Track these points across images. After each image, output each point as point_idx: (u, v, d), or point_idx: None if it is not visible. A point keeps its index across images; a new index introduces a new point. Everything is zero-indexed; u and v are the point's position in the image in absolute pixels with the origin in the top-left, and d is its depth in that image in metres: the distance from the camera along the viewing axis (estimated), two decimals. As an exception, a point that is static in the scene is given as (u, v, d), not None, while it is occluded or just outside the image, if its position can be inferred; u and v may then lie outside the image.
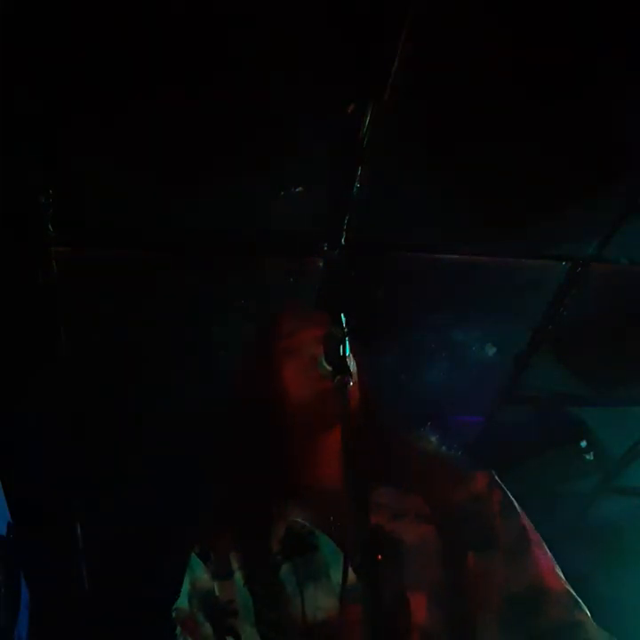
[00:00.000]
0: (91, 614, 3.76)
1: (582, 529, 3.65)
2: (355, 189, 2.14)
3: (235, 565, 1.55)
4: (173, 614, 1.58)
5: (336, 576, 1.28)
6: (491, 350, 2.79)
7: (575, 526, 3.59)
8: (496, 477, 1.61)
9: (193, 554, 1.61)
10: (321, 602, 1.42)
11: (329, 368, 1.38)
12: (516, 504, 1.58)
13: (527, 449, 3.25)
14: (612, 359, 2.91)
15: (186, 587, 1.59)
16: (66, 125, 1.90)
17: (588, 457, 3.32)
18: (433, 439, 1.67)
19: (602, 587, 3.62)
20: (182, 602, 1.58)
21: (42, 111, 1.85)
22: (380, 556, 1.14)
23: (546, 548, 1.50)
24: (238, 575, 1.53)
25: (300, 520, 1.53)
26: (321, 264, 2.37)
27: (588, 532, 3.67)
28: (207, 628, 1.53)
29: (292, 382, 1.56)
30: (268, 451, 1.59)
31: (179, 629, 1.56)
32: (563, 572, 1.47)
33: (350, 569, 1.31)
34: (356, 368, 1.45)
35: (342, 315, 1.53)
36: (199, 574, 1.58)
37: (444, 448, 1.66)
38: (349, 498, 1.21)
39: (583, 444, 3.29)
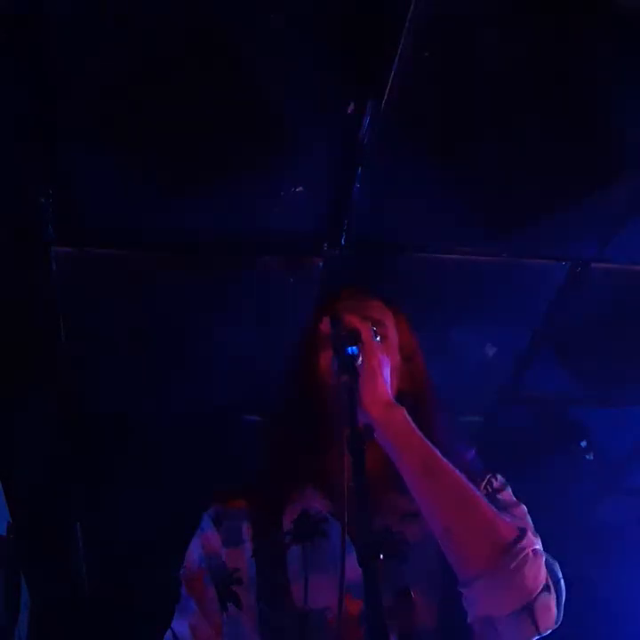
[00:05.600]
0: (91, 614, 3.76)
1: (582, 529, 3.65)
2: (355, 189, 2.14)
3: (245, 536, 1.56)
4: (181, 572, 1.59)
5: (340, 568, 1.29)
6: (491, 350, 2.79)
7: (575, 526, 3.59)
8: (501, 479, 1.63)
9: (206, 516, 1.62)
10: (323, 590, 1.42)
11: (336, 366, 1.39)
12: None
13: (527, 449, 3.25)
14: (612, 359, 2.91)
15: (197, 549, 1.59)
16: (66, 125, 1.90)
17: (588, 457, 3.32)
18: (459, 448, 1.68)
19: (602, 587, 3.63)
20: (191, 562, 1.59)
21: (42, 111, 1.86)
22: (381, 556, 1.15)
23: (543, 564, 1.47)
24: (247, 546, 1.54)
25: (317, 506, 1.54)
26: (321, 264, 2.37)
27: (588, 532, 3.67)
28: (211, 592, 1.54)
29: (324, 373, 1.57)
30: (302, 433, 1.61)
31: (184, 589, 1.57)
32: (563, 572, 1.47)
33: (355, 563, 1.32)
34: (366, 368, 1.45)
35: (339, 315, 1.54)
36: (210, 538, 1.59)
37: (466, 455, 1.67)
38: (353, 497, 1.22)
39: (583, 443, 3.29)
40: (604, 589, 3.67)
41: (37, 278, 2.28)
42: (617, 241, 2.40)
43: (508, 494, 1.59)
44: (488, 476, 1.61)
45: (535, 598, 1.34)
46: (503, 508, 1.49)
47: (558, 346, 2.82)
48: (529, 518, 1.54)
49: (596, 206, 2.28)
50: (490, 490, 1.57)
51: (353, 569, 1.15)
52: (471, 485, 1.41)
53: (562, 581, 1.43)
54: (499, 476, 1.62)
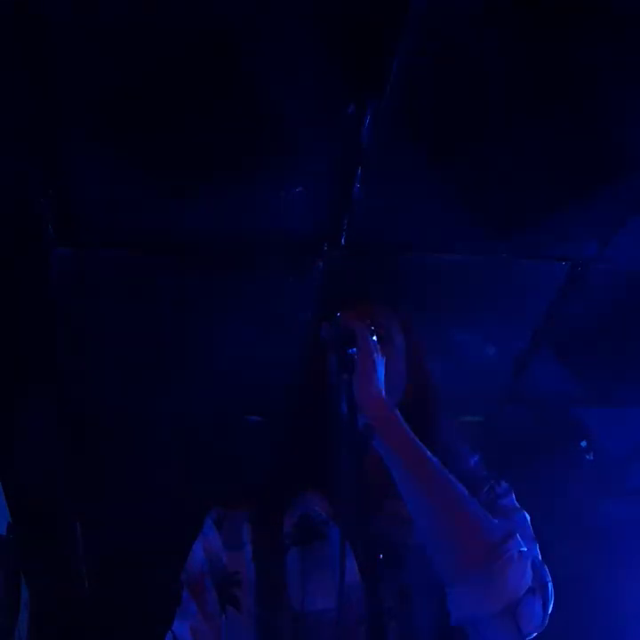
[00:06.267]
0: (91, 614, 3.76)
1: (582, 529, 3.65)
2: (355, 189, 2.14)
3: (246, 538, 1.57)
4: (182, 577, 1.60)
5: (340, 570, 1.30)
6: (491, 350, 2.79)
7: (575, 526, 3.59)
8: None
9: (208, 519, 1.64)
10: (320, 592, 1.43)
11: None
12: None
13: (527, 449, 3.25)
14: (612, 359, 2.91)
15: (199, 552, 1.61)
16: (66, 125, 1.90)
17: (588, 457, 3.32)
18: (462, 452, 1.68)
19: (602, 587, 3.63)
20: (193, 565, 1.60)
21: (42, 111, 1.85)
22: (380, 556, 1.15)
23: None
24: (248, 549, 1.55)
25: (317, 509, 1.55)
26: (321, 264, 2.37)
27: (588, 532, 3.67)
28: (212, 595, 1.55)
29: (325, 373, 1.57)
30: (306, 436, 1.62)
31: (186, 594, 1.58)
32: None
33: (355, 566, 1.32)
34: (359, 368, 1.45)
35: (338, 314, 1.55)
36: (212, 540, 1.60)
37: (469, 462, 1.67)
38: (353, 499, 1.22)
39: (583, 443, 3.29)
40: (605, 589, 3.67)
41: (37, 278, 2.28)
42: (617, 241, 2.40)
43: (509, 501, 1.59)
44: (491, 482, 1.61)
45: (519, 600, 1.33)
46: (503, 513, 1.49)
47: (558, 346, 2.82)
48: (528, 525, 1.54)
49: (596, 206, 2.28)
50: (491, 495, 1.57)
51: (352, 571, 1.16)
52: (459, 486, 1.41)
53: (550, 584, 1.41)
54: (502, 483, 1.63)
